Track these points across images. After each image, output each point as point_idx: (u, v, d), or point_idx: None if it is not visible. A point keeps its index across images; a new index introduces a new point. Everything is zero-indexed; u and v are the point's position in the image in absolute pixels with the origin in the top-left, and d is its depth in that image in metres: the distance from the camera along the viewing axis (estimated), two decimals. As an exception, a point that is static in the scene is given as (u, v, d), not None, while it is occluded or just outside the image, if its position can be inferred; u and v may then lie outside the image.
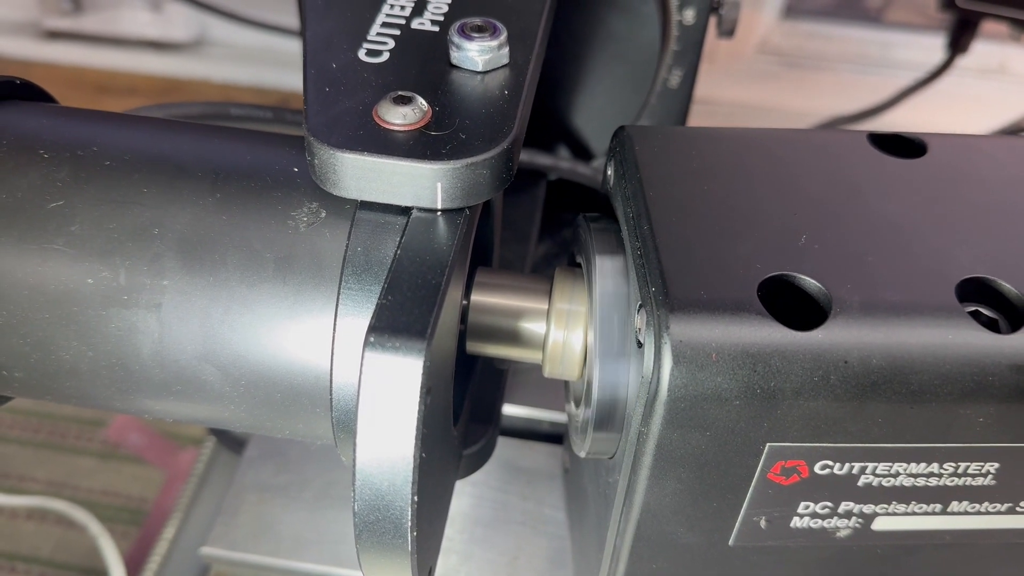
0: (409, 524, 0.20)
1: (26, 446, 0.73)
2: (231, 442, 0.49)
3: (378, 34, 0.26)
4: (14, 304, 0.23)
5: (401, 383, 0.19)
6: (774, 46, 0.88)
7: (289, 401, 0.24)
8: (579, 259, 0.28)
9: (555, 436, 0.45)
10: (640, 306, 0.24)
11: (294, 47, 0.94)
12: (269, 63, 0.99)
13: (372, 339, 0.19)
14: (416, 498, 0.20)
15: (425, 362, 0.19)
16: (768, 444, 0.23)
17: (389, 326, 0.19)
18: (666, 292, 0.22)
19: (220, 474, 0.50)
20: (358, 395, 0.19)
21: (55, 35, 1.03)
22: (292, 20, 0.88)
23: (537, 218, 0.39)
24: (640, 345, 0.23)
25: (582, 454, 0.27)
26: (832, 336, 0.22)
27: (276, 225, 0.23)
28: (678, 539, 0.26)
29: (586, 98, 0.42)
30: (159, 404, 0.25)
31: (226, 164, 0.24)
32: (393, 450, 0.20)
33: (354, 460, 0.20)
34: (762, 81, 0.85)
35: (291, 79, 0.99)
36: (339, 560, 0.41)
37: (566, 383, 0.31)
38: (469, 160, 0.22)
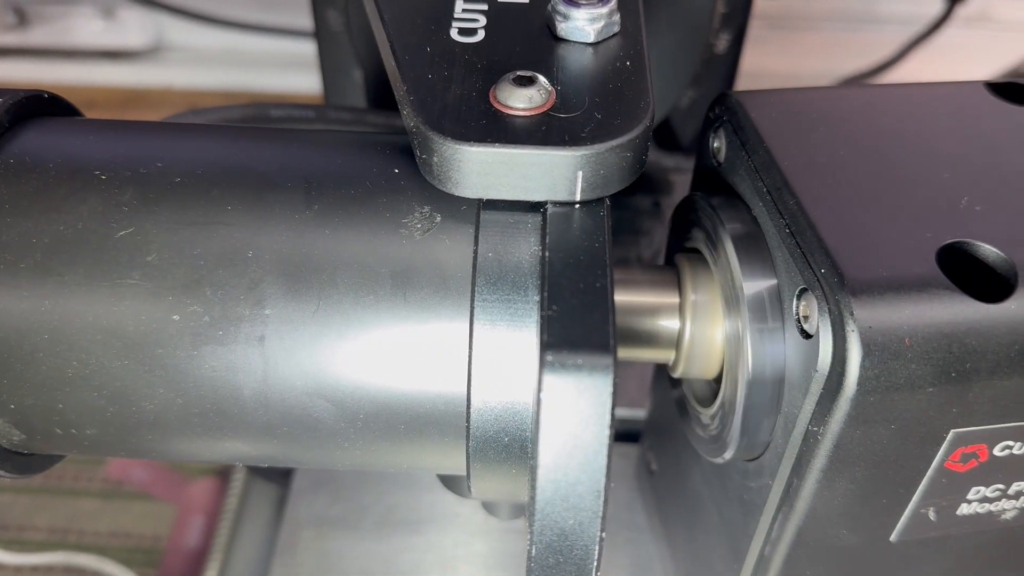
0: (594, 565, 0.18)
1: (22, 493, 0.68)
2: (268, 471, 0.45)
3: (464, 10, 0.23)
4: (86, 352, 0.20)
5: (589, 406, 0.17)
6: (758, 9, 0.86)
7: (414, 432, 0.21)
8: (694, 244, 0.26)
9: (624, 434, 0.42)
10: (802, 291, 0.21)
11: (261, 45, 0.90)
12: (234, 64, 0.94)
13: (550, 357, 0.17)
14: (604, 535, 0.18)
15: (614, 378, 0.16)
16: (953, 431, 0.21)
17: (566, 341, 0.17)
18: (840, 273, 0.20)
19: (258, 508, 0.46)
20: (536, 422, 0.17)
21: (1, 52, 0.96)
22: (257, 16, 0.84)
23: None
24: (807, 336, 0.21)
25: (721, 460, 0.25)
26: (1027, 306, 0.20)
27: (387, 235, 0.20)
28: (839, 542, 0.24)
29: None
30: (260, 449, 0.22)
31: (316, 171, 0.21)
32: (581, 483, 0.17)
33: (533, 498, 0.17)
34: (749, 46, 0.83)
35: (260, 79, 0.94)
36: (410, 590, 0.38)
37: (680, 382, 0.29)
38: (614, 142, 0.19)
